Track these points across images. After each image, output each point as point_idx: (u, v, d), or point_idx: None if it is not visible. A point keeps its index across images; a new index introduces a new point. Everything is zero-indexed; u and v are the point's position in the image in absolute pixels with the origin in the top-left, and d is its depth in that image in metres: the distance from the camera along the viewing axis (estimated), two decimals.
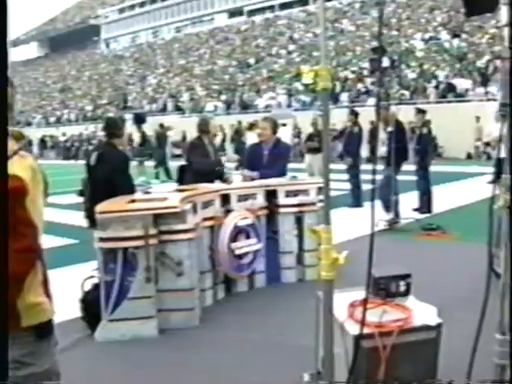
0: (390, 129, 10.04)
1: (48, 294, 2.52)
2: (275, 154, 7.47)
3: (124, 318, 5.24)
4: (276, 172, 7.26)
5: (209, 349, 4.98)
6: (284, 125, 21.43)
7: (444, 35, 35.40)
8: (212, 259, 6.29)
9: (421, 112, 11.56)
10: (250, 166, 7.54)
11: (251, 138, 21.68)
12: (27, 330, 2.36)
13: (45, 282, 2.51)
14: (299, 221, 7.00)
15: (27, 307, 2.34)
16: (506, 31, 2.71)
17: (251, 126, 22.80)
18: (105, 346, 5.14)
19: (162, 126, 23.95)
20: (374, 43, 35.13)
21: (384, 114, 9.84)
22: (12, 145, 2.37)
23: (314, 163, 14.17)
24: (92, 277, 5.68)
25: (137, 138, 21.27)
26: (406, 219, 10.21)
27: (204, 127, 7.60)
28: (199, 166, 7.37)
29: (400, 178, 10.36)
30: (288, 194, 6.97)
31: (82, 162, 6.49)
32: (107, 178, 5.93)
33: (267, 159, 7.48)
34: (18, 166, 2.28)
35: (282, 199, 6.94)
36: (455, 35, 34.30)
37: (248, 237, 6.51)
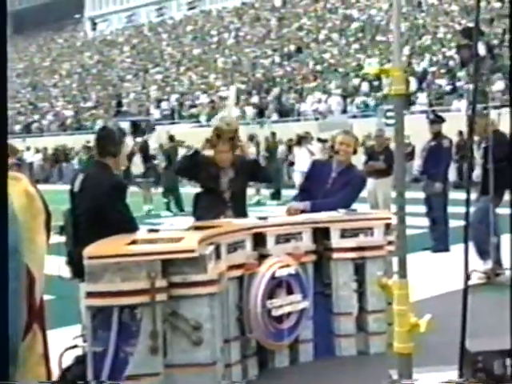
0: (483, 144, 9.92)
1: (49, 376, 2.55)
2: (344, 179, 7.58)
3: None
4: (335, 202, 7.32)
5: None
6: (325, 140, 19.99)
7: None
8: (241, 322, 6.31)
9: None
10: (309, 192, 7.73)
11: (301, 157, 21.53)
12: None
13: (46, 358, 2.55)
14: (360, 270, 7.00)
15: None
16: None
17: (300, 140, 22.75)
18: None
19: (171, 138, 24.04)
20: (465, 22, 35.10)
21: (479, 122, 9.64)
22: None
23: (378, 190, 14.08)
24: (75, 347, 5.75)
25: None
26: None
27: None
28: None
29: (502, 211, 10.22)
30: (344, 233, 6.97)
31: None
32: (94, 209, 5.97)
33: (332, 183, 7.62)
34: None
35: (336, 240, 6.94)
36: None
37: (290, 292, 6.53)
